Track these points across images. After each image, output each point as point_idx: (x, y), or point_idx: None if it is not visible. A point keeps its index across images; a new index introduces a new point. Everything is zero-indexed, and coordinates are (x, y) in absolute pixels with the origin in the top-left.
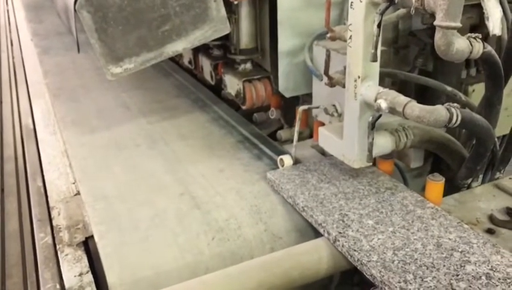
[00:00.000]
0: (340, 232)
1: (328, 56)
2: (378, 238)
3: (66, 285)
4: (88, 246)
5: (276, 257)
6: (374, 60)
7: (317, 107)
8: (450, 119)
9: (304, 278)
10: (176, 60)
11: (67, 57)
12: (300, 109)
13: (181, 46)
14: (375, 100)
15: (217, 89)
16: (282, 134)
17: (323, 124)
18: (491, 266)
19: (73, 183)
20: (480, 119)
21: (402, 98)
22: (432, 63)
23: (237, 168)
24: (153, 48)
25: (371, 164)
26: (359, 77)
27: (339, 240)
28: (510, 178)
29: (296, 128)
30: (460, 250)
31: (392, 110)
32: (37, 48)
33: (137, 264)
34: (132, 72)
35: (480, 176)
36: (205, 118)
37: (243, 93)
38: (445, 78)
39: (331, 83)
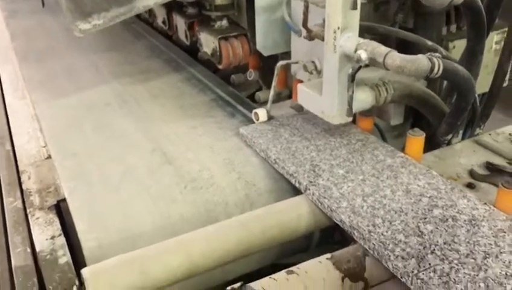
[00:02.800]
0: (311, 181)
1: (307, 7)
2: (348, 186)
3: (37, 248)
4: (61, 210)
5: (255, 215)
6: (354, 7)
7: (296, 62)
8: (432, 68)
9: (283, 236)
10: (149, 21)
11: (35, 20)
12: (279, 64)
13: (152, 0)
14: (355, 51)
15: (193, 52)
16: (261, 95)
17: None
18: (458, 209)
19: (44, 146)
20: (461, 69)
21: (382, 48)
22: (412, 20)
23: (210, 125)
24: (123, 2)
25: (351, 119)
26: (338, 28)
27: (309, 189)
28: (490, 134)
29: (274, 83)
30: (428, 195)
31: (372, 61)
32: (3, 12)
33: (108, 213)
34: (101, 28)
35: (461, 132)
36: (178, 78)
37: (219, 51)
38: (426, 34)
39: (310, 36)
